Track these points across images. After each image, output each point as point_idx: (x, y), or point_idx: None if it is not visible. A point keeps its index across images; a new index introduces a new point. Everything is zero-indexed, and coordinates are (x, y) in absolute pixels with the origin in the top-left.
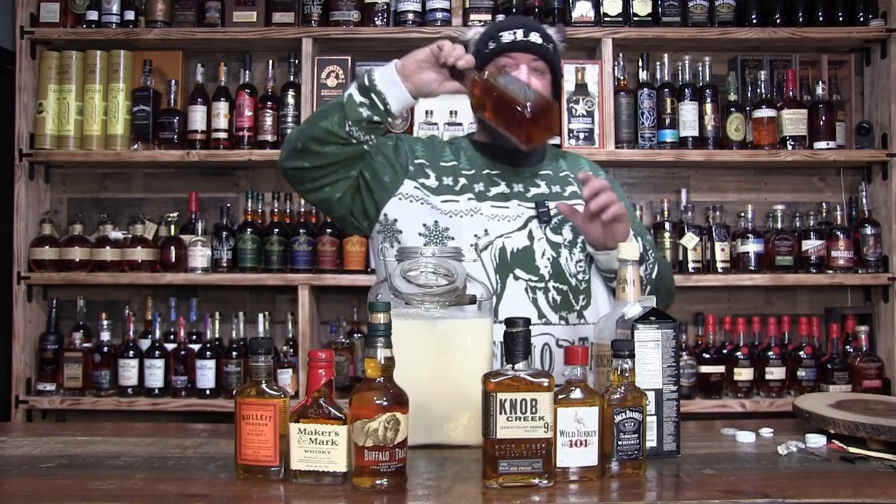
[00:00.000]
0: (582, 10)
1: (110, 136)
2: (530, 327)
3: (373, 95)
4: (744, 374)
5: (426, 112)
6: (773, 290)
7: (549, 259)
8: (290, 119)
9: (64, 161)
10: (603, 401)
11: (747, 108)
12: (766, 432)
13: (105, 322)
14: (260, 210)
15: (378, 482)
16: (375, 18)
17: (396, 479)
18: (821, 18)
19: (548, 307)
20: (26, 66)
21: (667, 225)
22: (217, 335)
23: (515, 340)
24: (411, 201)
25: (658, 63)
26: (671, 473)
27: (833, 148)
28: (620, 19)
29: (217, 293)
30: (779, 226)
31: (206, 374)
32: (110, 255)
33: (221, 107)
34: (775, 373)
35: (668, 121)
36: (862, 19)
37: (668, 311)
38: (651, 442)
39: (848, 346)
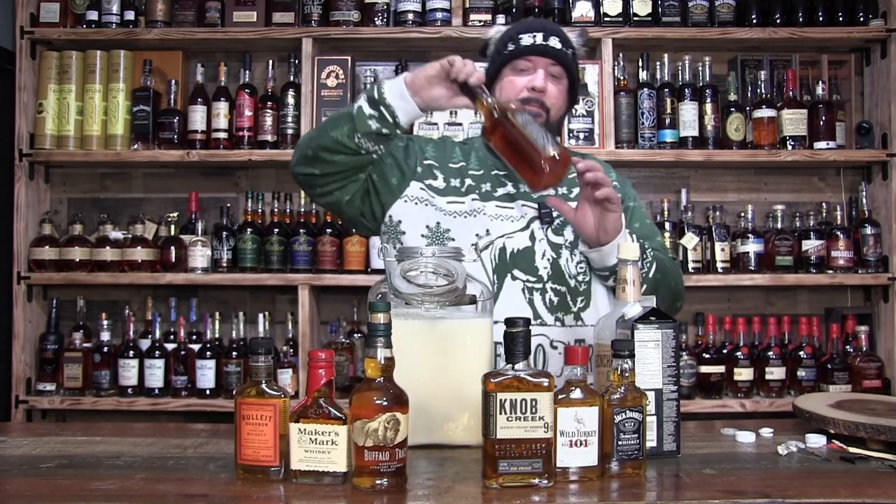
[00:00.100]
0: (582, 10)
1: (110, 136)
2: (530, 328)
3: (382, 108)
4: (744, 374)
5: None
6: (773, 290)
7: (548, 260)
8: (290, 119)
9: (64, 161)
10: (603, 401)
11: (747, 108)
12: (766, 432)
13: (105, 322)
14: (260, 210)
15: (378, 482)
16: (375, 18)
17: (396, 479)
18: (821, 18)
19: (544, 308)
20: (26, 66)
21: (667, 225)
22: (217, 335)
23: (515, 340)
24: (416, 203)
25: (658, 63)
26: (671, 473)
27: (833, 148)
28: (620, 19)
29: (217, 293)
30: (779, 226)
31: (206, 374)
32: (110, 255)
33: (221, 107)
34: (775, 373)
35: (668, 121)
36: (862, 19)
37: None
38: (651, 442)
39: (848, 346)
